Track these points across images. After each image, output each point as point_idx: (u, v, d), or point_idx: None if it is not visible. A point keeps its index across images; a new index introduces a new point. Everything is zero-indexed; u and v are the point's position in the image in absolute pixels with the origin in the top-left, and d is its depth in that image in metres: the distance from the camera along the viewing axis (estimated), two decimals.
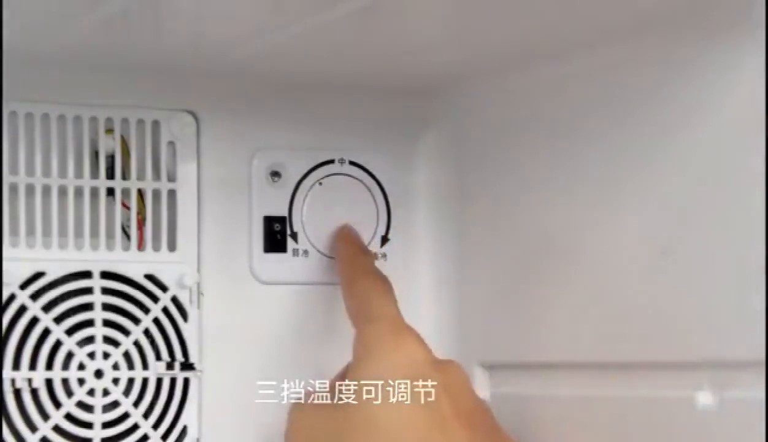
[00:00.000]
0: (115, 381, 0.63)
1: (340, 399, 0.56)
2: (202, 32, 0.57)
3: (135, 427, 0.63)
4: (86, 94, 0.64)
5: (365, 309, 0.60)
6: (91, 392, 0.62)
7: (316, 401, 0.58)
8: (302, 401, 0.60)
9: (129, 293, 0.64)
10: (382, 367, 0.56)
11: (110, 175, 0.64)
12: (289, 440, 0.59)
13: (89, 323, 0.63)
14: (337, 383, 0.58)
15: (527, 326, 0.64)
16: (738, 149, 0.52)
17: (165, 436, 0.64)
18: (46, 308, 0.62)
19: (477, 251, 0.68)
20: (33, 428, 0.61)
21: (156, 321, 0.64)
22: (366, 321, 0.60)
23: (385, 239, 0.70)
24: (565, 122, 0.62)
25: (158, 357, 0.64)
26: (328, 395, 0.59)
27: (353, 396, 0.55)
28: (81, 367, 0.62)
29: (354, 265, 0.65)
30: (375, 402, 0.55)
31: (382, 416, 0.54)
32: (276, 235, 0.67)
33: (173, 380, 0.64)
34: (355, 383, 0.56)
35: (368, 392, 0.55)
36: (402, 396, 0.55)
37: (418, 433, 0.54)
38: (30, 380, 0.61)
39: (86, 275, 0.63)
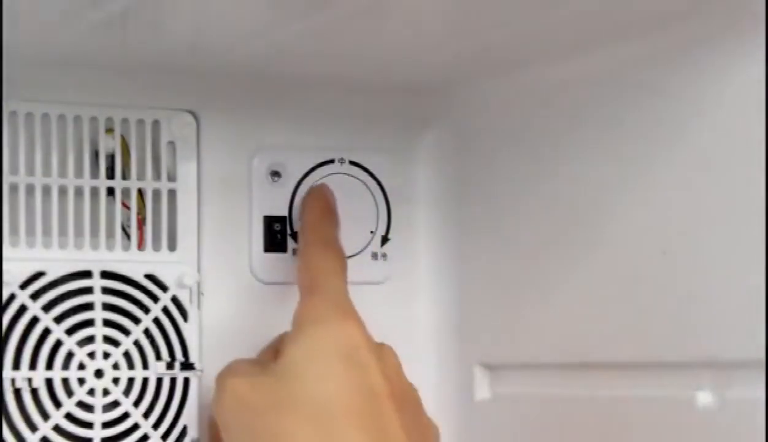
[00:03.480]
0: (115, 381, 0.63)
1: (277, 370, 0.56)
2: (202, 32, 0.57)
3: (135, 427, 0.63)
4: (86, 93, 0.64)
5: (314, 280, 0.60)
6: (91, 392, 0.62)
7: (248, 371, 0.58)
8: (233, 369, 0.59)
9: (129, 293, 0.64)
10: (323, 342, 0.56)
11: (110, 174, 0.64)
12: (220, 407, 0.58)
13: (89, 322, 0.63)
14: (279, 350, 0.58)
15: (527, 327, 0.64)
16: (738, 149, 0.52)
17: (165, 436, 0.64)
18: (46, 307, 0.62)
19: (477, 250, 0.68)
20: (33, 427, 0.61)
21: (156, 321, 0.64)
22: (312, 292, 0.59)
23: (385, 239, 0.70)
24: (565, 122, 0.62)
25: (158, 357, 0.64)
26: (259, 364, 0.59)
27: (291, 368, 0.55)
28: (81, 367, 0.62)
29: (315, 232, 0.64)
30: (312, 376, 0.55)
31: (319, 391, 0.54)
32: (276, 235, 0.67)
33: (173, 380, 0.64)
34: (294, 353, 0.56)
35: (306, 365, 0.55)
36: (339, 373, 0.55)
37: (353, 410, 0.54)
38: (30, 380, 0.61)
39: (86, 274, 0.63)
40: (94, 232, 0.64)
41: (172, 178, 0.65)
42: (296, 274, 0.62)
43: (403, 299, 0.70)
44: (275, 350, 0.60)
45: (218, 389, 0.58)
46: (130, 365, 0.63)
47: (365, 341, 0.56)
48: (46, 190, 0.63)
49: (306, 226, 0.65)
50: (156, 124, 0.65)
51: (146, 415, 0.63)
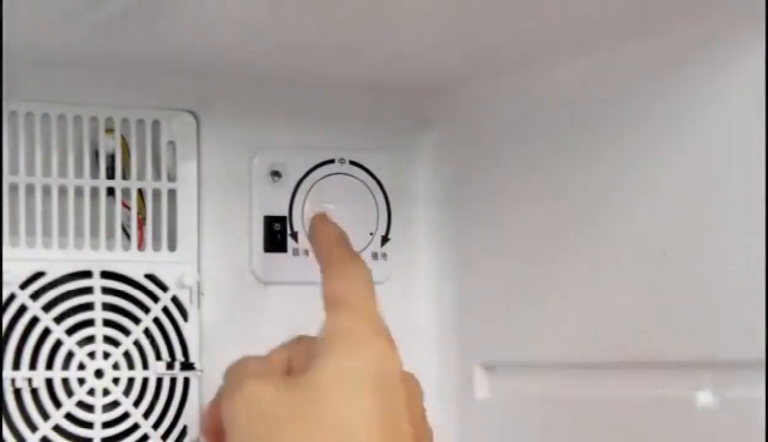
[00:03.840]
0: (116, 381, 0.63)
1: (303, 384, 0.54)
2: (202, 32, 0.57)
3: (135, 427, 0.63)
4: (86, 93, 0.64)
5: (348, 294, 0.58)
6: (91, 392, 0.62)
7: (267, 375, 0.55)
8: (250, 370, 0.57)
9: (129, 293, 0.64)
10: (357, 363, 0.54)
11: (110, 174, 0.64)
12: (234, 409, 0.53)
13: (89, 322, 0.63)
14: (294, 355, 0.56)
15: (527, 327, 0.64)
16: (738, 149, 0.52)
17: (165, 436, 0.64)
18: (47, 307, 0.62)
19: (477, 250, 0.68)
20: (33, 427, 0.61)
21: (156, 321, 0.64)
22: (346, 307, 0.57)
23: (385, 239, 0.70)
24: (565, 122, 0.62)
25: (158, 357, 0.64)
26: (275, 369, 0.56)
27: (320, 385, 0.54)
28: (81, 367, 0.62)
29: (342, 247, 0.62)
30: (341, 400, 0.53)
31: (345, 416, 0.52)
32: (276, 234, 0.67)
33: (173, 380, 0.64)
34: (322, 368, 0.54)
35: (337, 386, 0.54)
36: (370, 402, 0.52)
37: (374, 437, 0.52)
38: (30, 380, 0.61)
39: (86, 274, 0.63)
40: (94, 232, 0.64)
41: (172, 178, 0.65)
42: (324, 284, 0.60)
43: (404, 299, 0.70)
44: (289, 353, 0.58)
45: (234, 389, 0.55)
46: (130, 365, 0.63)
47: (398, 368, 0.55)
48: (46, 190, 0.63)
49: (332, 242, 0.62)
50: (156, 124, 0.65)
51: (146, 415, 0.63)
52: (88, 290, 0.63)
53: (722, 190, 0.53)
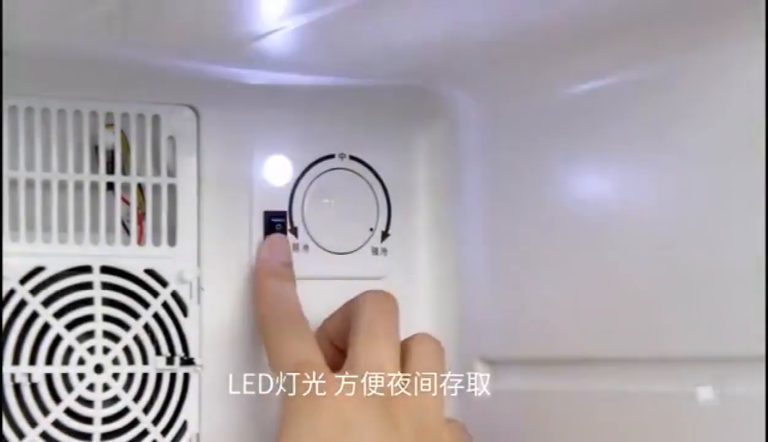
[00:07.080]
0: (115, 376, 0.63)
1: None
2: (202, 26, 0.57)
3: (135, 422, 0.63)
4: (86, 88, 0.64)
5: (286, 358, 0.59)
6: (90, 387, 0.62)
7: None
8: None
9: (129, 288, 0.64)
10: None
11: (110, 169, 0.64)
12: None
13: (89, 317, 0.63)
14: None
15: (528, 321, 0.64)
16: (738, 147, 0.52)
17: (165, 431, 0.64)
18: (46, 302, 0.62)
19: (477, 246, 0.68)
20: (33, 423, 0.61)
21: (156, 316, 0.64)
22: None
23: (385, 234, 0.70)
24: (564, 118, 0.62)
25: (158, 352, 0.64)
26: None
27: None
28: (81, 362, 0.62)
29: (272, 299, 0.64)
30: None
31: None
32: (276, 230, 0.67)
33: (173, 376, 0.64)
34: None
35: None
36: None
37: None
38: (30, 375, 0.61)
39: (86, 269, 0.63)
40: (94, 227, 0.64)
41: (172, 173, 0.65)
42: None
43: (404, 295, 0.70)
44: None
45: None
46: (130, 361, 0.63)
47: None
48: (46, 185, 0.63)
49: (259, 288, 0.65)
50: (156, 119, 0.65)
51: (146, 410, 0.63)
52: (87, 285, 0.63)
53: (722, 186, 0.53)
